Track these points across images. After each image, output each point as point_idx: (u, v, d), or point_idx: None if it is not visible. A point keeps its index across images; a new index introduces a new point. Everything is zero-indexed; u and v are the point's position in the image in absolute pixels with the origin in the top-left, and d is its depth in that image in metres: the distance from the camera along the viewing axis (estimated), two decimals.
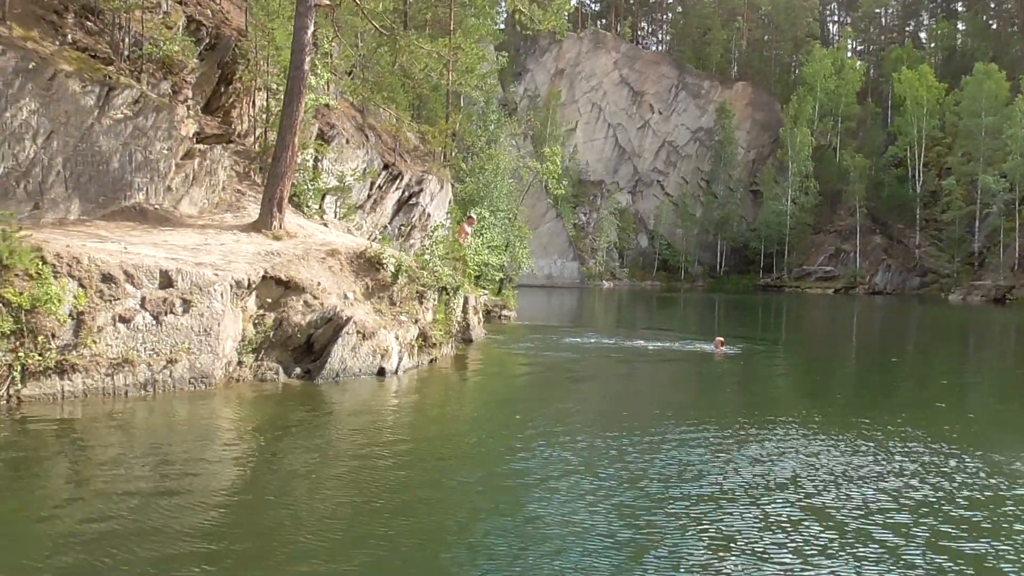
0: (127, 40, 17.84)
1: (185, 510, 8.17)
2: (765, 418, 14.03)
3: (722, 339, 23.92)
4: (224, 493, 8.99)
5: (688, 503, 8.88)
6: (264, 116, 22.19)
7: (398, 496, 8.97)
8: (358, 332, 16.34)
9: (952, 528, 8.27)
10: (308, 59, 18.48)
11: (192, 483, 9.18)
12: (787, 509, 8.75)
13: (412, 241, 27.17)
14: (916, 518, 8.55)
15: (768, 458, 10.93)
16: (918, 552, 7.57)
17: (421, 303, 18.99)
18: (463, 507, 8.78)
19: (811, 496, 9.25)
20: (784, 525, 8.21)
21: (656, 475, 9.96)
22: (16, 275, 12.23)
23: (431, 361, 18.95)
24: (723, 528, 8.09)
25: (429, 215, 28.29)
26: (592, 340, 26.67)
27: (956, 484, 9.85)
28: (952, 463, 10.91)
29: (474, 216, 29.81)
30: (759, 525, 8.20)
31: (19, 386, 12.12)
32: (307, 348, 16.41)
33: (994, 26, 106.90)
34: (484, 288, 31.68)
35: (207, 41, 20.40)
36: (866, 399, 17.93)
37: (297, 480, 9.49)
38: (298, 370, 15.97)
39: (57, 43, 16.62)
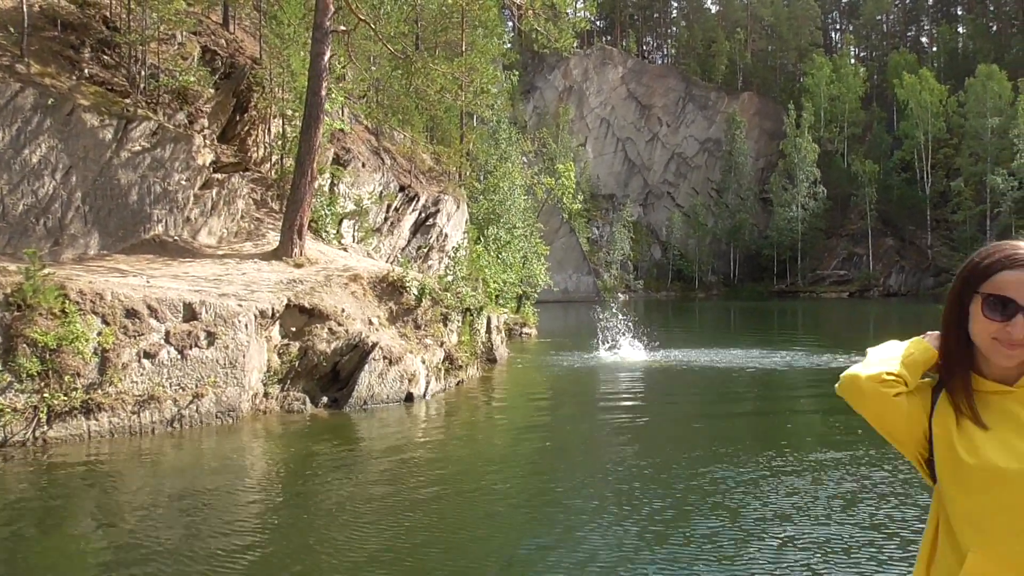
0: (143, 72, 17.78)
1: (214, 551, 7.86)
2: None
3: None
4: (253, 533, 8.63)
5: None
6: (280, 143, 22.08)
7: (434, 540, 8.38)
8: (384, 358, 16.05)
9: None
10: (325, 84, 18.35)
11: (221, 524, 8.84)
12: None
13: (430, 262, 26.96)
14: None
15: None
16: None
17: (446, 325, 18.74)
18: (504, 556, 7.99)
19: None
20: None
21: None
22: (40, 314, 12.04)
23: (458, 384, 18.63)
24: None
25: (446, 236, 28.10)
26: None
27: None
28: None
29: None
30: None
31: (45, 428, 11.88)
32: (333, 376, 16.13)
33: (995, 28, 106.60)
34: (503, 306, 31.41)
35: (222, 70, 20.32)
36: None
37: (327, 521, 8.97)
38: (325, 399, 15.66)
39: (75, 78, 16.55)
